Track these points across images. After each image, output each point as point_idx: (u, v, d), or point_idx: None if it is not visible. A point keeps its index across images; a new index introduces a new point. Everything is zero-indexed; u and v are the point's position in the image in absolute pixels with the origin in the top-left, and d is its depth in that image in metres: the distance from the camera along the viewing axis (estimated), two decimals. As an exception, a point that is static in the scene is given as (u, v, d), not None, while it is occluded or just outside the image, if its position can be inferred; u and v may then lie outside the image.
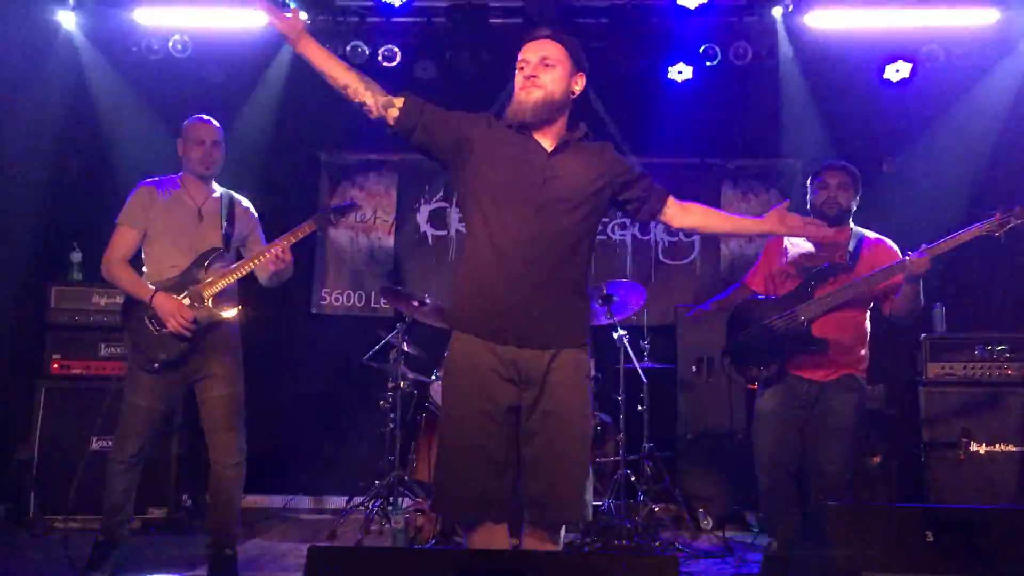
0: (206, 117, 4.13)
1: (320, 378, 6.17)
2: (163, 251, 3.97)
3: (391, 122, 2.95)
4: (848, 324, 3.93)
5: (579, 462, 2.88)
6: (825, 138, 6.11)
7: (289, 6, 5.47)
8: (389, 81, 6.15)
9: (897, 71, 5.92)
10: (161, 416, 3.96)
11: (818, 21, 5.75)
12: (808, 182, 4.14)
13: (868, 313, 4.02)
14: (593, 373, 3.65)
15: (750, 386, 4.06)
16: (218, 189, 4.17)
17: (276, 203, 5.77)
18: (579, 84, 3.00)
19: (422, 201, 6.69)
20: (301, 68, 5.92)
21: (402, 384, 5.23)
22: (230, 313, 3.98)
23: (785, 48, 5.91)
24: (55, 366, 5.29)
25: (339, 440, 6.22)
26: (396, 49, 5.99)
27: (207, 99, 6.14)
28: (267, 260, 3.92)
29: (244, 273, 3.99)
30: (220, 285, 3.93)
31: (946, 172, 5.95)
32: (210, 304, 3.92)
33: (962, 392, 5.18)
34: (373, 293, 6.56)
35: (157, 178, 4.11)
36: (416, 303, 5.22)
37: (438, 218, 6.67)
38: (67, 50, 5.98)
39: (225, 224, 4.07)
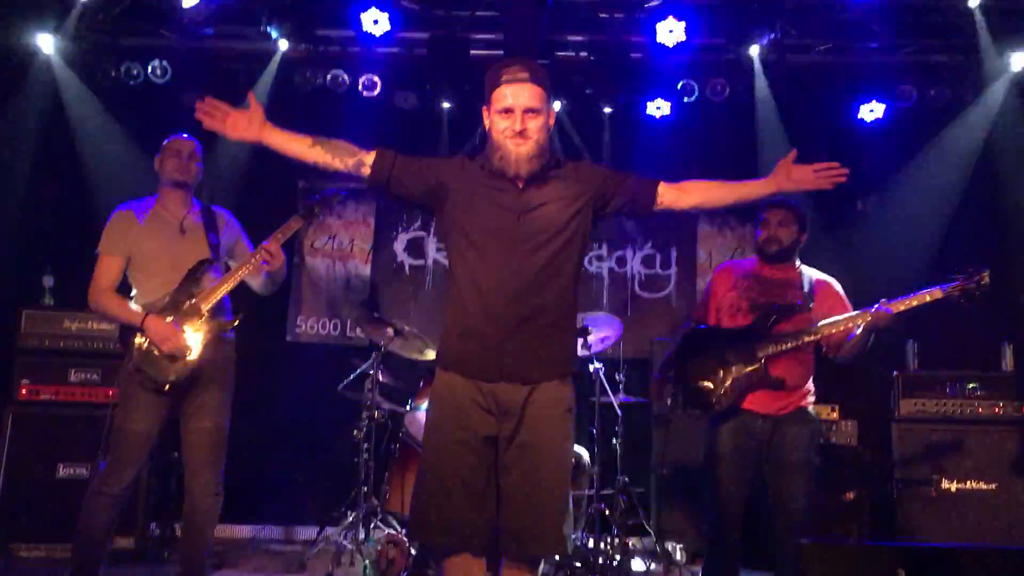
0: (184, 134, 4.12)
1: (293, 406, 6.12)
2: (151, 272, 3.92)
3: (365, 178, 3.01)
4: (799, 360, 3.95)
5: (558, 495, 2.86)
6: (800, 175, 6.17)
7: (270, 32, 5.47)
8: (369, 111, 6.20)
9: (871, 111, 6.02)
10: (153, 442, 3.87)
11: (794, 60, 5.83)
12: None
13: (813, 350, 4.03)
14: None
15: (701, 422, 4.04)
16: (196, 203, 4.12)
17: (253, 230, 5.75)
18: (552, 117, 3.04)
19: (399, 230, 6.69)
20: (281, 95, 6.01)
21: (376, 414, 5.20)
22: (229, 324, 3.95)
23: (761, 86, 5.98)
24: (23, 391, 5.21)
25: (311, 470, 6.16)
26: (376, 79, 6.01)
27: (186, 125, 6.12)
28: (258, 261, 3.87)
29: (238, 279, 3.93)
30: (216, 296, 3.89)
31: (919, 210, 6.04)
32: (208, 317, 3.87)
33: (934, 429, 5.22)
34: (349, 321, 6.53)
35: (132, 201, 4.06)
36: (392, 332, 5.20)
37: (415, 247, 6.67)
38: (45, 74, 5.94)
39: (209, 234, 4.02)
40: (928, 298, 3.72)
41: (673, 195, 3.09)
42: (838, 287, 4.05)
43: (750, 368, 3.88)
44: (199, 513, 3.88)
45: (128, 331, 3.87)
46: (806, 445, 3.89)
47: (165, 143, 4.09)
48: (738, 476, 3.91)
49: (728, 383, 3.91)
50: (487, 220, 2.92)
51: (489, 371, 2.86)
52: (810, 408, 3.97)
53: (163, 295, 3.88)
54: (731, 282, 4.11)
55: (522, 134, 2.89)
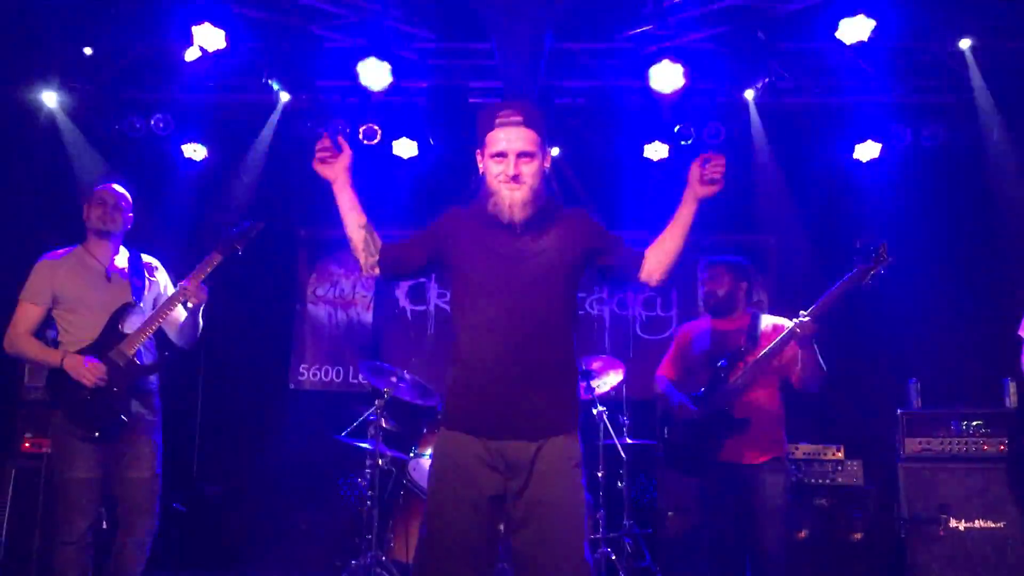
0: (115, 186, 4.14)
1: (296, 454, 6.08)
2: (77, 318, 3.91)
3: (375, 277, 3.09)
4: (764, 404, 4.10)
5: (574, 553, 2.72)
6: (797, 215, 6.22)
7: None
8: (370, 159, 6.25)
9: (866, 151, 6.06)
10: (100, 488, 3.84)
11: (789, 103, 5.88)
12: None
13: (779, 394, 4.17)
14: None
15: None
16: (124, 251, 4.13)
17: (254, 279, 5.79)
18: (548, 161, 2.99)
19: (401, 276, 6.71)
20: (282, 146, 6.07)
21: (380, 461, 5.17)
22: (154, 369, 3.95)
23: (757, 128, 6.03)
24: (26, 444, 5.19)
25: (315, 518, 6.11)
26: (376, 128, 6.07)
27: (188, 176, 6.19)
28: (178, 300, 3.86)
29: (162, 320, 3.92)
30: (140, 339, 3.87)
31: (917, 249, 6.06)
32: (132, 362, 3.85)
33: (940, 468, 5.18)
34: (351, 368, 6.53)
35: (59, 250, 4.06)
36: (394, 379, 5.19)
37: (417, 293, 6.69)
38: (49, 127, 5.99)
39: (133, 280, 4.02)
40: (838, 292, 3.89)
41: (646, 271, 2.98)
42: (789, 325, 4.14)
43: (719, 422, 4.07)
44: (129, 560, 3.82)
45: (54, 381, 3.85)
46: (782, 492, 4.05)
47: (94, 191, 4.12)
48: (726, 526, 4.11)
49: (702, 441, 4.13)
50: (484, 272, 2.88)
51: (497, 428, 2.80)
52: (783, 456, 4.13)
53: (89, 341, 3.86)
54: (689, 342, 4.39)
55: (516, 179, 2.84)
